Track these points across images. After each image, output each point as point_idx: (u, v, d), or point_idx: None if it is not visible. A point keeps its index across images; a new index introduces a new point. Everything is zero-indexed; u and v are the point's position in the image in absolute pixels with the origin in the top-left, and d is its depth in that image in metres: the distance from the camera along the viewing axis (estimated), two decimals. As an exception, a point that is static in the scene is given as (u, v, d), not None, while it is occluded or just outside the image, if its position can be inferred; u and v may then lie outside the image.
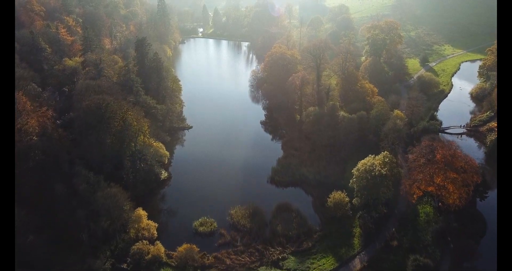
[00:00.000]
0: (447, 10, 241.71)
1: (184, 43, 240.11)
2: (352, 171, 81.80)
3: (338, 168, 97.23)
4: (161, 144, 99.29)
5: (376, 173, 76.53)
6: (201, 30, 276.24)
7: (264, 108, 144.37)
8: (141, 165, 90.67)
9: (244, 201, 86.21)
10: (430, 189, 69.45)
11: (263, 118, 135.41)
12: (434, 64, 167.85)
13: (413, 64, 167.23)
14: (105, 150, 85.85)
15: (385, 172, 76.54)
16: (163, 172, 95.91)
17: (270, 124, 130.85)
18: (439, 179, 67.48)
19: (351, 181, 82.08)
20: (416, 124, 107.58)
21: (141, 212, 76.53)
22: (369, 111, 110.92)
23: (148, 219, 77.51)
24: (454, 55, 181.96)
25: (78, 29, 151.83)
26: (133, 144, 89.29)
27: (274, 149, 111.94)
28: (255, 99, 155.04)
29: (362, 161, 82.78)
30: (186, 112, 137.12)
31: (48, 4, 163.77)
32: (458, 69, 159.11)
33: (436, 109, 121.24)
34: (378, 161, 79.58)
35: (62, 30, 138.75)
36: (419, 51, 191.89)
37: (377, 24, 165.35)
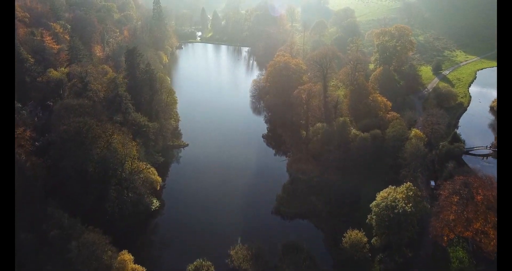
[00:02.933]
0: (457, 13, 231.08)
1: (182, 48, 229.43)
2: (371, 205, 71.09)
3: (352, 196, 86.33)
4: (152, 168, 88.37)
5: (400, 211, 65.85)
6: (199, 34, 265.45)
7: (266, 121, 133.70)
8: (129, 194, 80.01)
9: (246, 237, 75.61)
10: (466, 234, 58.67)
11: (266, 134, 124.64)
12: (447, 72, 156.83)
13: (425, 72, 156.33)
14: (86, 180, 74.99)
15: (410, 209, 65.87)
16: (154, 201, 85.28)
17: (274, 141, 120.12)
18: (479, 224, 56.71)
19: (369, 217, 71.47)
20: (436, 143, 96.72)
21: (126, 256, 65.58)
22: (384, 129, 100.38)
23: (134, 263, 66.74)
24: (468, 62, 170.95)
25: (66, 36, 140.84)
26: (119, 172, 78.56)
27: (279, 171, 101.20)
28: (256, 111, 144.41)
29: (382, 193, 72.19)
30: (182, 126, 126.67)
31: (35, 9, 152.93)
32: (475, 78, 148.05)
33: (456, 126, 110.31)
34: (400, 195, 68.92)
35: (48, 38, 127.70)
36: (429, 57, 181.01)
37: (387, 30, 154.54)
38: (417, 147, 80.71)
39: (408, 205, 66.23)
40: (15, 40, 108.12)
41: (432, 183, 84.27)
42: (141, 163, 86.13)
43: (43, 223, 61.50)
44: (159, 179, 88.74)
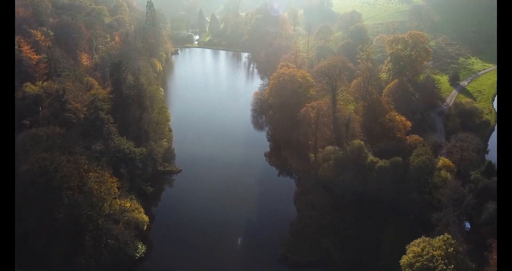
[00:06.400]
0: (470, 16, 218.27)
1: (178, 54, 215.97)
2: (401, 263, 58.44)
3: (372, 239, 73.85)
4: (138, 206, 75.38)
5: (440, 275, 53.06)
6: (197, 37, 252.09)
7: (269, 139, 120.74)
8: (108, 241, 67.14)
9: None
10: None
11: (269, 154, 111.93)
12: (466, 83, 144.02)
13: (442, 83, 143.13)
14: (55, 228, 62.17)
15: (451, 272, 53.13)
16: (139, 246, 72.09)
17: (278, 163, 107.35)
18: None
19: (399, 276, 58.70)
20: (465, 173, 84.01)
21: None
22: (405, 155, 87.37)
23: None
24: (486, 71, 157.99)
25: (48, 44, 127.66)
26: (96, 216, 65.67)
27: (285, 204, 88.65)
28: (258, 127, 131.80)
29: (413, 247, 59.56)
30: (175, 145, 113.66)
31: (16, 14, 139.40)
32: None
33: (486, 149, 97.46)
34: (438, 252, 56.10)
35: (26, 47, 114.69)
36: (443, 65, 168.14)
37: (400, 37, 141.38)
38: (455, 189, 67.67)
39: (450, 267, 53.55)
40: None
41: (467, 225, 71.49)
42: (124, 200, 73.17)
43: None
44: (146, 218, 75.68)
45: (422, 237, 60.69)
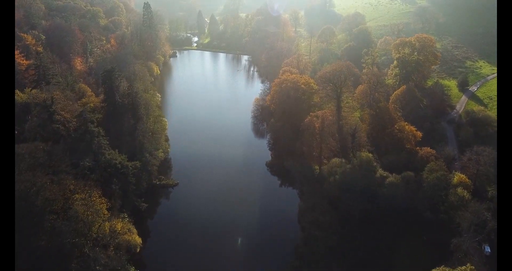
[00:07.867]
0: (476, 17, 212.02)
1: (176, 56, 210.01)
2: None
3: (383, 265, 68.15)
4: (130, 228, 69.89)
5: (465, 314, 47.48)
6: (195, 39, 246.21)
7: (270, 148, 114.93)
8: (97, 268, 61.40)
9: None
10: None
11: (271, 166, 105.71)
12: (475, 88, 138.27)
13: (450, 88, 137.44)
14: (37, 255, 56.47)
15: (477, 311, 47.54)
16: (131, 271, 66.46)
17: (280, 176, 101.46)
18: None
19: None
20: (481, 189, 78.40)
21: None
22: (416, 169, 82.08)
23: None
24: (495, 75, 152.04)
25: (40, 49, 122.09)
26: (82, 242, 59.97)
27: (289, 221, 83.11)
28: (258, 135, 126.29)
29: (432, 278, 53.81)
30: (172, 156, 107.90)
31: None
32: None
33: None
34: (461, 286, 50.50)
35: (15, 52, 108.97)
36: (449, 69, 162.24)
37: (407, 40, 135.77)
38: (476, 213, 62.06)
39: (475, 305, 47.99)
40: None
41: (487, 249, 65.87)
42: (115, 221, 67.54)
43: None
44: (139, 240, 70.17)
45: (442, 267, 55.18)
